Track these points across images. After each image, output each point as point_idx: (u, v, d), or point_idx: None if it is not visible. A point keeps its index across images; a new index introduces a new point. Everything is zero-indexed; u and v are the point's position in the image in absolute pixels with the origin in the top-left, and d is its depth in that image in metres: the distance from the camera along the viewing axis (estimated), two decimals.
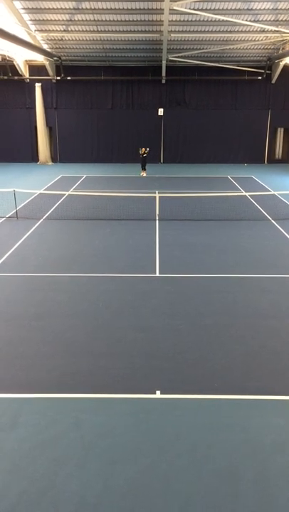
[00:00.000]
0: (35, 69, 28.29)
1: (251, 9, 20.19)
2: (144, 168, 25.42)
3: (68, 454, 5.21)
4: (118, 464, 5.06)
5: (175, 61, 26.63)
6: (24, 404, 6.07)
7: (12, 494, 4.66)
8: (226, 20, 20.71)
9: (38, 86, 28.22)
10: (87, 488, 4.74)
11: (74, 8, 20.46)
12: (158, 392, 6.29)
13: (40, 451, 5.26)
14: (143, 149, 25.26)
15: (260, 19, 21.19)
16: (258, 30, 22.54)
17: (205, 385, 6.45)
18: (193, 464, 5.06)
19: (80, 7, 20.27)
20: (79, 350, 7.38)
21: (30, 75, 28.50)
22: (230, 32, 22.95)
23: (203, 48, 25.05)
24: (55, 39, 24.53)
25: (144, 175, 25.16)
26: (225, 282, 10.22)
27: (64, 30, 23.17)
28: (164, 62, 26.05)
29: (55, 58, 26.36)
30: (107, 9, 20.34)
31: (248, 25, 21.41)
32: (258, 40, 24.11)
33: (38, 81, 28.24)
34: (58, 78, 28.03)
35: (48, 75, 27.94)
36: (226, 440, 5.42)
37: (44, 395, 6.23)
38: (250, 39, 24.10)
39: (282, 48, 25.52)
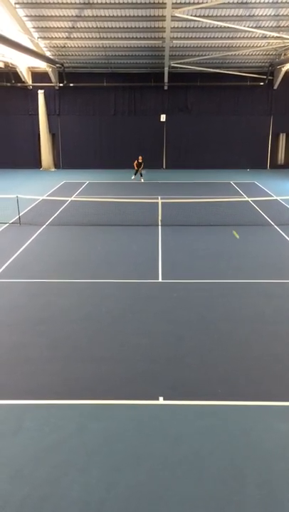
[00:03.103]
0: (38, 76, 28.49)
1: (253, 15, 20.29)
2: (140, 174, 25.66)
3: (71, 459, 5.19)
4: (121, 470, 5.03)
5: (177, 67, 26.77)
6: (27, 410, 6.06)
7: (15, 500, 4.65)
8: (228, 27, 20.82)
9: (40, 93, 28.41)
10: (90, 494, 4.71)
11: (76, 16, 20.61)
12: (161, 398, 6.26)
13: (43, 456, 5.24)
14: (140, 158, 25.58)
15: (262, 25, 21.29)
16: (260, 36, 22.65)
17: (208, 391, 6.42)
18: (196, 469, 5.03)
19: (83, 14, 20.42)
20: (81, 355, 7.37)
21: (33, 82, 28.69)
22: (232, 38, 23.07)
23: (205, 55, 25.17)
24: (57, 46, 24.70)
25: (142, 180, 25.35)
26: (228, 287, 10.20)
27: (67, 38, 23.34)
28: (166, 69, 26.19)
29: (57, 65, 26.53)
30: (109, 16, 20.49)
31: (249, 31, 21.52)
32: (260, 46, 24.22)
33: (41, 88, 28.42)
34: (61, 85, 28.21)
35: (51, 82, 28.12)
36: (229, 445, 5.39)
37: (47, 401, 6.22)
38: (251, 45, 24.22)
39: (284, 54, 25.63)
